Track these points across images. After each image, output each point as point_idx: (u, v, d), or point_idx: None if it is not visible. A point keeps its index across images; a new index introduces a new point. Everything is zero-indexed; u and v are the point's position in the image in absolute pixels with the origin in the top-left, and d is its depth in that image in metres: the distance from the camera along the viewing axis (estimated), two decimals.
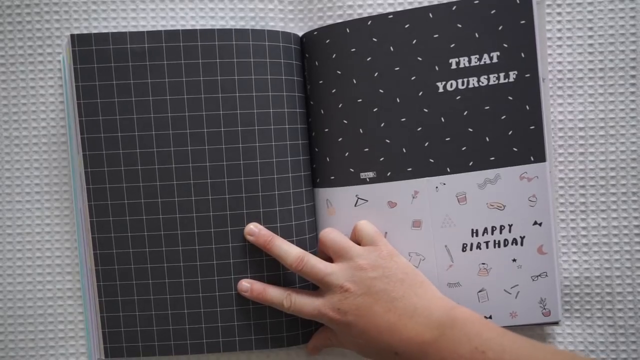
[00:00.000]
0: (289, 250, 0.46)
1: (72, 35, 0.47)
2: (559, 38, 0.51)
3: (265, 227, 0.47)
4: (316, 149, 0.50)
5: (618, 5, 0.50)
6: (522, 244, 0.47)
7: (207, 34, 0.47)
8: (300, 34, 0.51)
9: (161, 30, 0.47)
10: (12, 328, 0.51)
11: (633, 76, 0.50)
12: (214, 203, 0.47)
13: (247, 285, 0.47)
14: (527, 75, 0.46)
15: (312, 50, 0.50)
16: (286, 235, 0.48)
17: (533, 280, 0.47)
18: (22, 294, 0.51)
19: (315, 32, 0.49)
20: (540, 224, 0.47)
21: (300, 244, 0.48)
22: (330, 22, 0.51)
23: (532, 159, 0.46)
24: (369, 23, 0.48)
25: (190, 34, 0.47)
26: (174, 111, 0.47)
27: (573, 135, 0.51)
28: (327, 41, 0.49)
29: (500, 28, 0.46)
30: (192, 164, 0.47)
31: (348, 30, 0.48)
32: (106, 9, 0.51)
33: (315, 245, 0.50)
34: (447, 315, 0.43)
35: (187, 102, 0.47)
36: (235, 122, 0.47)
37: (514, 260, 0.47)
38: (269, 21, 0.52)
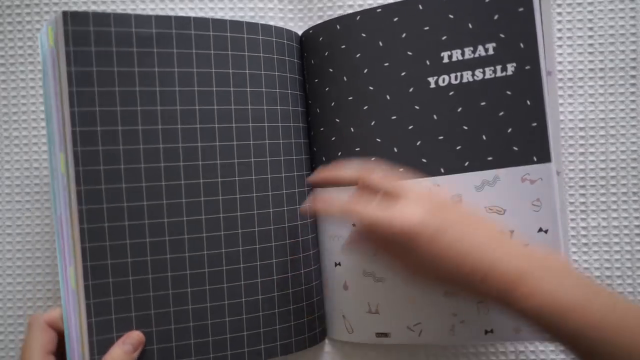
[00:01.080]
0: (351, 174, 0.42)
1: (64, 13, 0.40)
2: (559, 38, 0.51)
3: (273, 227, 0.46)
4: (314, 149, 0.50)
5: (618, 5, 0.50)
6: None
7: (219, 24, 0.44)
8: (300, 33, 0.51)
9: (171, 16, 0.43)
10: (12, 328, 0.51)
11: (633, 76, 0.50)
12: (225, 204, 0.44)
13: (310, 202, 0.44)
14: (527, 68, 0.43)
15: (308, 49, 0.49)
16: (291, 235, 0.47)
17: None
18: (22, 294, 0.51)
19: (311, 31, 0.48)
20: (545, 231, 0.43)
21: (304, 244, 0.48)
22: None
23: (534, 159, 0.43)
24: (357, 18, 0.46)
25: (201, 22, 0.43)
26: (183, 104, 0.43)
27: (573, 135, 0.51)
28: (321, 39, 0.48)
29: (496, 17, 0.43)
30: (201, 161, 0.44)
31: (338, 27, 0.47)
32: (106, 9, 0.51)
33: (316, 246, 0.50)
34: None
35: (197, 94, 0.43)
36: (246, 118, 0.45)
37: None
38: (268, 20, 0.52)
